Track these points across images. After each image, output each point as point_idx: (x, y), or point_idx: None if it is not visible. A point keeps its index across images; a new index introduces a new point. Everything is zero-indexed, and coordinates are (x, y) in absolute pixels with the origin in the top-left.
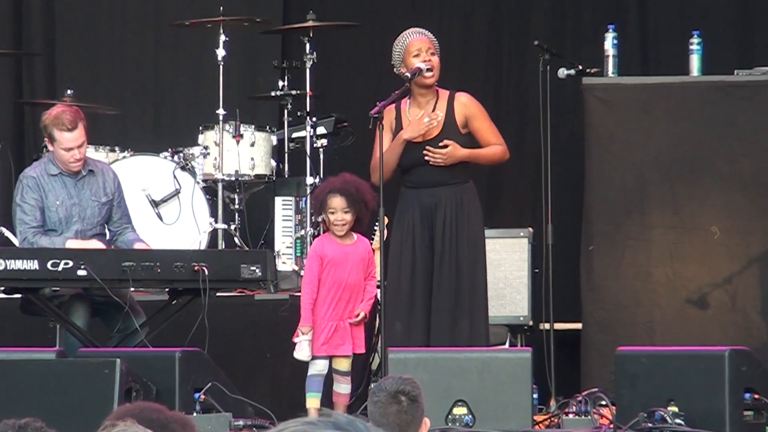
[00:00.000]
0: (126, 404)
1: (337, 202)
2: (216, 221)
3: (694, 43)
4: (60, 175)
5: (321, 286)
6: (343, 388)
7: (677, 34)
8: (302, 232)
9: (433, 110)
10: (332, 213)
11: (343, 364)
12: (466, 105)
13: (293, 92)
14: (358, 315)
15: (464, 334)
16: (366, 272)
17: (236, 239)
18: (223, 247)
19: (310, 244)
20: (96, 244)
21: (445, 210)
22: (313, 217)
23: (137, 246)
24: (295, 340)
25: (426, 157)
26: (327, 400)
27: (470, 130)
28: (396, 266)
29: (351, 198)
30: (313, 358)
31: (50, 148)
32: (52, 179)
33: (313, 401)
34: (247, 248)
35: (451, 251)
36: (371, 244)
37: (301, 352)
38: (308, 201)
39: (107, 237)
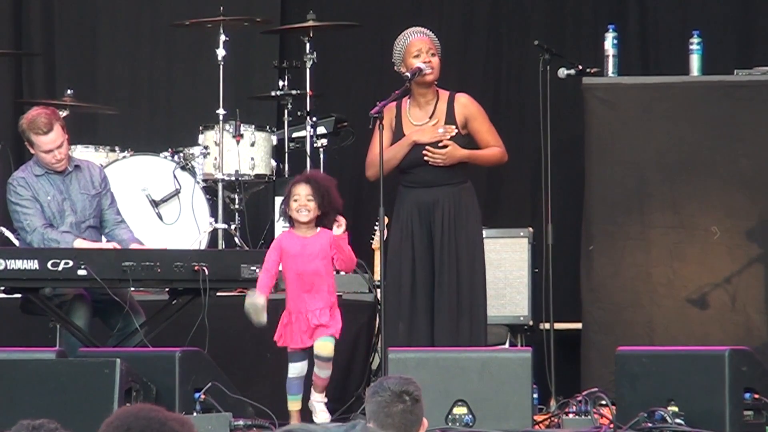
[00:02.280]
0: (126, 405)
1: (300, 188)
2: (216, 221)
3: (694, 43)
4: (46, 174)
5: (285, 279)
6: (323, 372)
7: (677, 34)
8: None
9: (434, 110)
10: (295, 201)
11: (324, 349)
12: (465, 106)
13: (293, 92)
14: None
15: (465, 333)
16: (330, 255)
17: (236, 239)
18: (223, 247)
19: None
20: (104, 246)
21: (443, 210)
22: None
23: (133, 247)
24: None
25: (425, 158)
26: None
27: (469, 131)
28: (396, 265)
29: (314, 187)
30: (292, 358)
31: (32, 151)
32: (39, 179)
33: (294, 404)
34: (247, 248)
35: (450, 251)
36: (371, 244)
37: (249, 296)
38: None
39: (102, 235)
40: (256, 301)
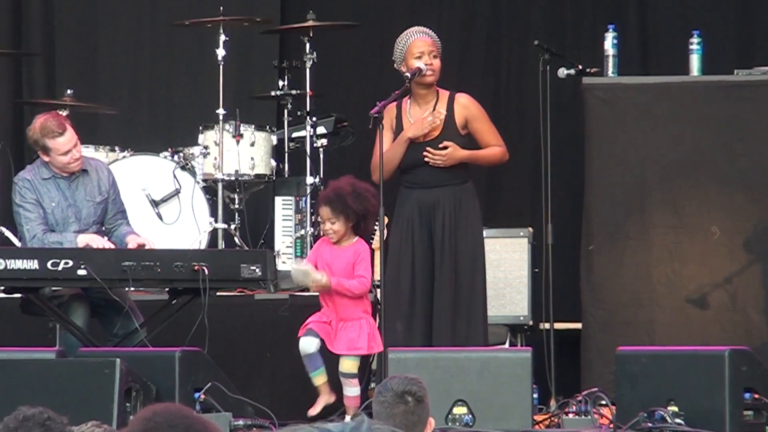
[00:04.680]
0: (155, 404)
1: (322, 211)
2: (216, 221)
3: (694, 43)
4: (53, 178)
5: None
6: (351, 391)
7: (677, 34)
8: (302, 232)
9: (433, 110)
10: (322, 223)
11: (348, 366)
12: (466, 106)
13: (293, 92)
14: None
15: (461, 335)
16: (354, 270)
17: (236, 239)
18: (223, 246)
19: (310, 244)
20: (105, 242)
21: (444, 210)
22: (313, 218)
23: (129, 238)
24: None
25: (426, 159)
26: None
27: (470, 131)
28: (395, 266)
29: (333, 206)
30: (306, 334)
31: (46, 159)
32: (45, 182)
33: (318, 378)
34: (247, 248)
35: (450, 252)
36: (371, 244)
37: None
38: (308, 201)
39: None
40: (302, 267)
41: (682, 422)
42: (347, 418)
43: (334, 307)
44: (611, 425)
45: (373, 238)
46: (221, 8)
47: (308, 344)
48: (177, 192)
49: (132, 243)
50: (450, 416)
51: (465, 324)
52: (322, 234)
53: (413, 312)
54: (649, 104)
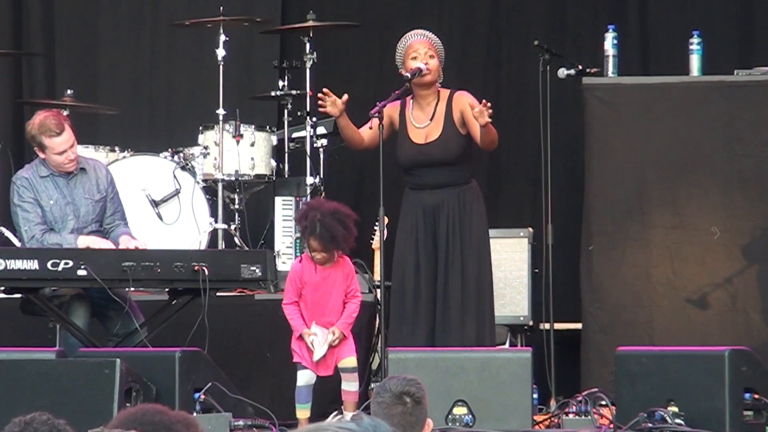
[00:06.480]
0: (128, 408)
1: (313, 244)
2: (216, 221)
3: (694, 43)
4: (51, 176)
5: (302, 307)
6: (351, 386)
7: (677, 34)
8: None
9: (434, 112)
10: (313, 251)
11: (349, 361)
12: (461, 96)
13: (293, 92)
14: (334, 336)
15: (472, 335)
16: (346, 291)
17: (236, 239)
18: (223, 247)
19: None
20: (106, 243)
21: (448, 211)
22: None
23: (122, 239)
24: (309, 340)
25: (481, 120)
26: (316, 409)
27: (463, 115)
28: (400, 269)
29: (325, 243)
30: (299, 368)
31: (41, 155)
32: (43, 180)
33: (302, 412)
34: (247, 248)
35: (455, 253)
36: (371, 244)
37: (318, 350)
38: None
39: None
40: (318, 349)
41: (682, 422)
42: (345, 413)
43: (326, 326)
44: (611, 425)
45: (373, 238)
46: (221, 8)
47: (310, 376)
48: (177, 192)
49: (123, 244)
50: (450, 416)
51: (474, 324)
52: (304, 252)
53: (417, 315)
54: (649, 104)
